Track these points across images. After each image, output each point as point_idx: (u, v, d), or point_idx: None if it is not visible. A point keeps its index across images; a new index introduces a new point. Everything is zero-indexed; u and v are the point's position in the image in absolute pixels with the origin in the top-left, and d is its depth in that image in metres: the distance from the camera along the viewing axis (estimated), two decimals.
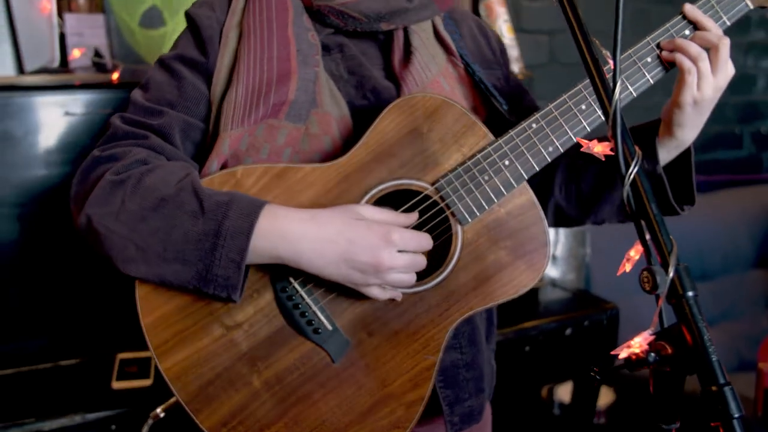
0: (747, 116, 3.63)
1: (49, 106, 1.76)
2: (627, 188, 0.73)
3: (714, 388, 0.67)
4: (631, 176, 0.73)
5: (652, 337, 0.71)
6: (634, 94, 1.15)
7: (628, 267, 0.75)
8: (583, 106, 1.13)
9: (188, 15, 1.20)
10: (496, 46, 1.37)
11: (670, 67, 1.15)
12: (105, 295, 1.77)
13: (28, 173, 1.74)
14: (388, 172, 1.12)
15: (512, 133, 1.13)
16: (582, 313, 2.14)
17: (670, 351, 0.70)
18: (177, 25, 2.13)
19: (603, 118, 1.02)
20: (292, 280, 1.10)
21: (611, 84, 0.76)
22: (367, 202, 1.11)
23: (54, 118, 1.76)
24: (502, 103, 1.26)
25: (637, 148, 0.74)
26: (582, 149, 0.82)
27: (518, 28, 2.67)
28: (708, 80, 1.13)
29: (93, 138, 1.72)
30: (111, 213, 1.03)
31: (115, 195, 1.04)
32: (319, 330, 1.11)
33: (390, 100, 1.15)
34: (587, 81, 1.11)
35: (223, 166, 1.12)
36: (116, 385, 1.67)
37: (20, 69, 1.82)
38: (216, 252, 1.01)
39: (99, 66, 1.96)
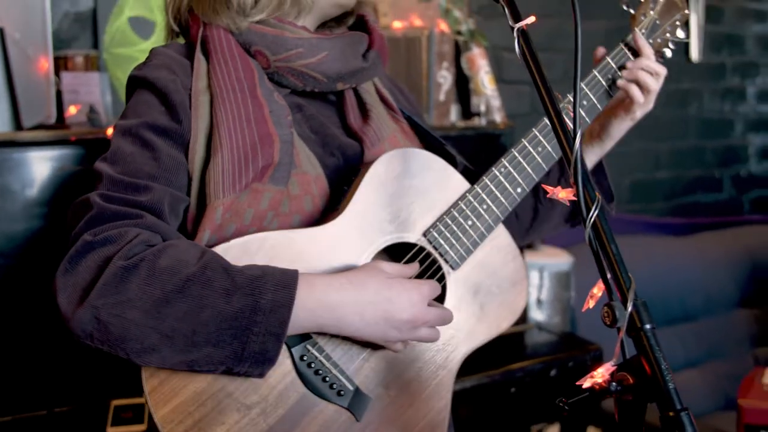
0: (726, 160, 3.73)
1: (45, 160, 1.82)
2: (588, 230, 0.79)
3: (671, 413, 0.72)
4: (592, 219, 0.79)
5: (614, 368, 0.76)
6: (588, 121, 1.32)
7: (591, 303, 0.81)
8: (540, 149, 1.25)
9: (146, 80, 1.12)
10: (409, 96, 1.47)
11: (614, 93, 1.33)
12: None
13: (25, 226, 1.78)
14: (380, 229, 1.15)
15: (485, 179, 1.21)
16: (567, 355, 2.19)
17: (631, 381, 0.75)
18: None
19: (555, 157, 1.25)
20: (309, 347, 1.08)
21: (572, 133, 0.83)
22: (367, 259, 1.13)
23: (50, 173, 1.81)
24: (450, 148, 1.33)
25: (597, 194, 0.80)
26: (548, 195, 0.88)
27: (500, 79, 2.76)
28: (651, 104, 1.33)
29: (86, 192, 1.78)
30: (125, 301, 0.95)
31: (129, 281, 0.95)
32: (342, 392, 1.09)
33: (356, 157, 1.21)
34: (541, 124, 1.24)
35: (212, 239, 1.08)
36: (111, 431, 1.70)
37: (18, 125, 1.88)
38: (254, 328, 0.96)
39: (94, 122, 2.02)
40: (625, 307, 0.75)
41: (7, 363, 1.78)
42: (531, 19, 0.91)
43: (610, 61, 1.32)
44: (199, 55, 1.15)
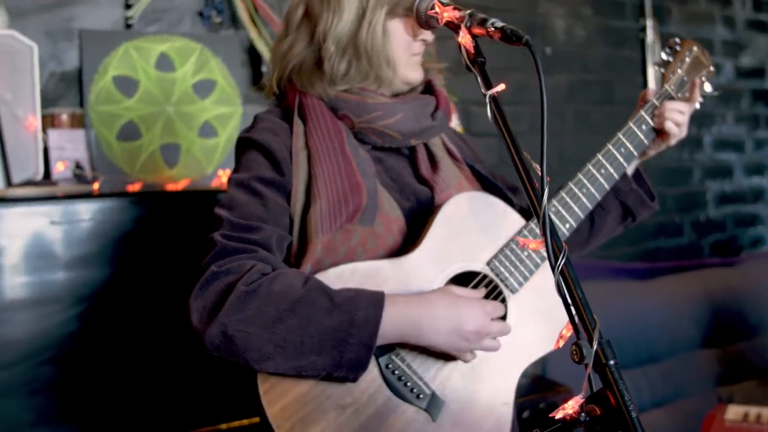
0: (686, 206, 3.85)
1: (34, 216, 1.87)
2: (557, 277, 0.89)
3: None
4: (560, 267, 0.89)
5: (583, 401, 0.85)
6: (636, 154, 1.56)
7: (561, 343, 0.90)
8: (585, 190, 1.49)
9: (254, 140, 1.38)
10: (471, 144, 1.68)
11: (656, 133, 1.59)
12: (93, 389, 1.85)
13: (14, 281, 1.83)
14: (450, 259, 1.38)
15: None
16: (539, 396, 2.27)
17: (599, 412, 0.84)
18: (153, 138, 2.29)
19: (599, 197, 1.50)
20: (393, 357, 1.30)
21: (541, 191, 0.92)
22: (438, 285, 1.35)
23: (39, 227, 1.86)
24: (508, 193, 1.53)
25: (564, 244, 0.90)
26: (520, 246, 0.98)
27: (468, 131, 2.88)
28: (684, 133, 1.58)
29: (73, 245, 1.84)
30: (247, 318, 1.18)
31: (250, 303, 1.18)
32: (420, 395, 1.30)
33: (428, 201, 1.44)
34: (585, 169, 1.51)
35: (312, 270, 1.31)
36: None
37: (8, 182, 1.94)
38: (350, 339, 1.19)
39: (80, 177, 2.09)
40: (591, 345, 0.84)
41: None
42: (501, 87, 1.01)
43: (644, 113, 1.57)
44: (297, 119, 1.41)
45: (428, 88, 1.53)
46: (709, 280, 3.48)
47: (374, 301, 1.22)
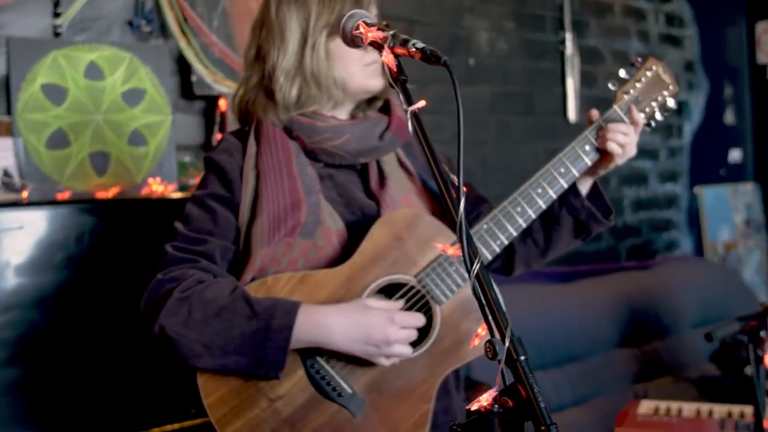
0: None
1: None
2: (473, 281, 0.96)
3: (543, 428, 0.89)
4: (475, 271, 0.96)
5: (496, 394, 0.93)
6: (576, 174, 1.59)
7: (476, 341, 0.97)
8: (519, 209, 1.56)
9: (212, 160, 1.56)
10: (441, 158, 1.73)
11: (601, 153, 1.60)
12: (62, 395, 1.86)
13: None
14: (381, 271, 1.50)
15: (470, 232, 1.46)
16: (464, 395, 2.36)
17: (511, 404, 0.92)
18: (82, 146, 2.29)
19: (533, 216, 1.56)
20: (318, 358, 1.46)
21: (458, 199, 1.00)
22: (368, 295, 1.49)
23: None
24: (453, 207, 1.57)
25: (478, 251, 0.98)
26: (439, 252, 1.06)
27: None
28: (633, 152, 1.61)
29: (6, 252, 1.84)
30: (180, 322, 1.38)
31: (183, 308, 1.39)
32: (342, 394, 1.46)
33: (373, 215, 1.56)
34: (521, 189, 1.57)
35: (253, 277, 1.48)
36: None
37: None
38: (267, 343, 1.37)
39: (8, 186, 2.09)
40: (504, 343, 0.92)
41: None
42: (422, 103, 1.08)
43: (588, 135, 1.60)
44: (251, 141, 1.57)
45: (386, 106, 1.66)
46: (626, 283, 3.63)
47: (289, 310, 1.39)
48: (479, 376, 2.60)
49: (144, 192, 2.35)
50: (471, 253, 0.97)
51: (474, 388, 2.44)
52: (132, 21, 2.44)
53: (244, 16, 2.64)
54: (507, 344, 0.92)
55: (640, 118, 1.60)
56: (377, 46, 1.14)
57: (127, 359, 1.97)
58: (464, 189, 1.03)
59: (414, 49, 1.08)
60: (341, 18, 1.38)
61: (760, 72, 4.85)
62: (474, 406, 0.92)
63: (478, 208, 1.74)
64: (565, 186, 1.59)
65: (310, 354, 1.46)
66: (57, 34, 2.32)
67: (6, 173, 2.10)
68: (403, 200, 1.60)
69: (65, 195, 2.20)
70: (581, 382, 3.19)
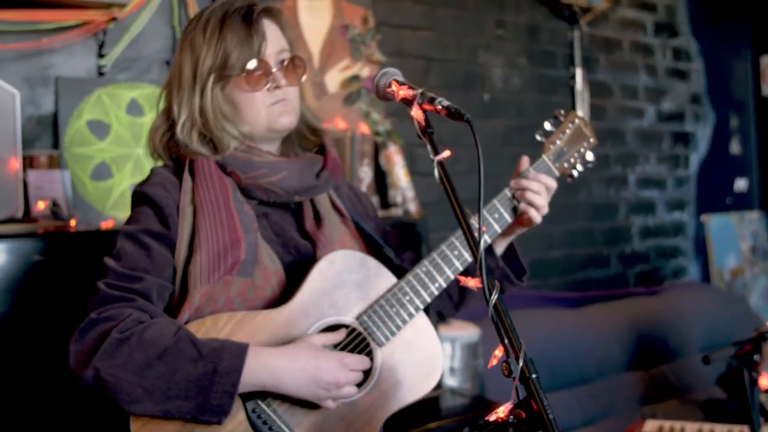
0: (613, 239, 4.10)
1: (16, 252, 2.01)
2: (491, 309, 1.11)
3: None
4: (493, 301, 1.11)
5: (512, 406, 1.07)
6: (499, 230, 1.61)
7: (494, 362, 1.12)
8: (456, 252, 1.57)
9: (145, 194, 1.46)
10: (365, 201, 1.80)
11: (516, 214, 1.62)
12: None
13: None
14: (321, 313, 1.47)
15: (410, 276, 1.54)
16: (477, 414, 2.48)
17: (524, 416, 1.06)
18: (123, 178, 2.46)
19: (470, 260, 1.57)
20: (259, 402, 1.40)
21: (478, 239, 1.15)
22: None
23: (21, 263, 2.00)
24: (388, 250, 1.66)
25: (497, 282, 1.13)
26: (461, 284, 1.19)
27: (413, 171, 3.08)
28: (545, 210, 1.62)
29: (52, 280, 1.99)
30: (119, 364, 1.28)
31: (122, 350, 1.28)
32: None
33: (309, 255, 1.53)
34: (458, 233, 1.55)
35: (189, 317, 1.40)
36: None
37: None
38: (214, 387, 1.29)
39: (56, 215, 2.24)
40: (518, 362, 1.07)
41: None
42: (447, 153, 1.23)
43: (507, 192, 1.62)
44: (186, 176, 1.50)
45: (321, 148, 1.65)
46: (635, 308, 3.77)
47: (237, 353, 1.31)
48: (493, 396, 2.74)
49: None
50: (490, 286, 1.12)
51: (489, 407, 2.57)
52: (170, 61, 2.62)
53: None
54: (521, 364, 1.07)
55: (551, 182, 1.62)
56: (407, 102, 1.29)
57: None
58: (468, 223, 1.17)
59: (440, 107, 1.23)
60: (228, 60, 1.47)
61: (765, 103, 5.00)
62: (492, 417, 1.06)
63: (401, 255, 1.72)
64: (496, 232, 1.60)
65: (251, 396, 1.39)
66: (101, 74, 2.50)
67: (55, 203, 2.25)
68: (338, 241, 1.57)
69: (108, 224, 2.36)
70: (590, 404, 3.30)
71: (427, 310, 1.62)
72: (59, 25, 2.37)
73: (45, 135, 2.40)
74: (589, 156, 1.71)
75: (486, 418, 1.07)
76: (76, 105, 2.43)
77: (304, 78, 1.58)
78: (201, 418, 1.30)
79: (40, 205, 2.20)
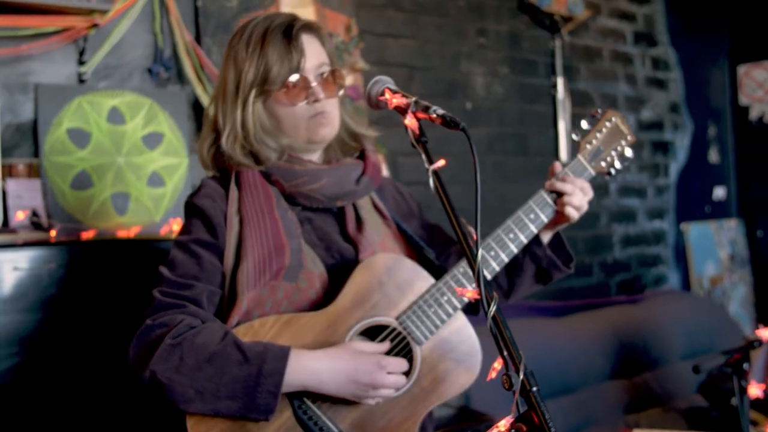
0: (594, 248, 4.11)
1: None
2: (489, 321, 1.09)
3: None
4: (492, 313, 1.09)
5: (512, 420, 1.05)
6: (535, 231, 1.67)
7: (493, 374, 1.10)
8: (492, 253, 1.63)
9: (195, 206, 1.57)
10: (410, 200, 1.86)
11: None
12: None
13: None
14: (363, 314, 1.55)
15: (447, 277, 1.58)
16: (463, 425, 2.47)
17: (525, 429, 1.05)
18: (104, 187, 2.42)
19: (506, 260, 1.64)
20: (305, 399, 1.49)
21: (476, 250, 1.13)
22: (351, 337, 1.53)
23: (4, 273, 1.97)
24: (428, 251, 1.72)
25: (495, 294, 1.11)
26: (458, 295, 1.19)
27: (397, 180, 3.07)
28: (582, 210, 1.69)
29: (39, 289, 1.96)
30: (172, 368, 1.39)
31: (174, 354, 1.39)
32: None
33: (352, 258, 1.61)
34: (493, 235, 1.64)
35: (239, 321, 1.50)
36: None
37: None
38: (258, 388, 1.39)
39: (36, 225, 2.20)
40: (518, 375, 1.05)
41: None
42: (441, 163, 1.22)
43: (543, 193, 1.67)
44: (233, 187, 1.59)
45: (361, 153, 1.72)
46: (617, 317, 3.75)
47: (280, 356, 1.41)
48: (479, 407, 2.72)
49: (163, 231, 2.48)
50: (488, 296, 1.10)
51: (475, 419, 2.56)
52: (151, 68, 2.58)
53: None
54: (521, 377, 1.05)
55: (587, 185, 1.68)
56: (401, 110, 1.28)
57: (118, 401, 2.04)
58: (464, 233, 1.16)
59: (435, 115, 1.22)
60: (269, 75, 1.54)
61: (742, 113, 5.05)
62: (493, 431, 1.05)
63: (448, 249, 1.81)
64: (524, 240, 1.66)
65: (298, 395, 1.48)
66: (82, 81, 2.46)
67: (35, 213, 2.21)
68: (379, 243, 1.65)
69: (89, 234, 2.32)
70: (574, 413, 3.29)
71: (476, 303, 1.67)
72: (39, 31, 2.33)
73: (24, 143, 2.36)
74: (628, 152, 1.73)
75: (487, 431, 1.05)
76: (56, 113, 2.38)
77: (342, 90, 1.64)
78: (249, 416, 1.40)
79: (20, 215, 2.16)
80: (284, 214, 1.58)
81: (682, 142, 4.73)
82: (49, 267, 2.03)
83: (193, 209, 1.58)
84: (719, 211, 4.96)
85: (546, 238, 1.75)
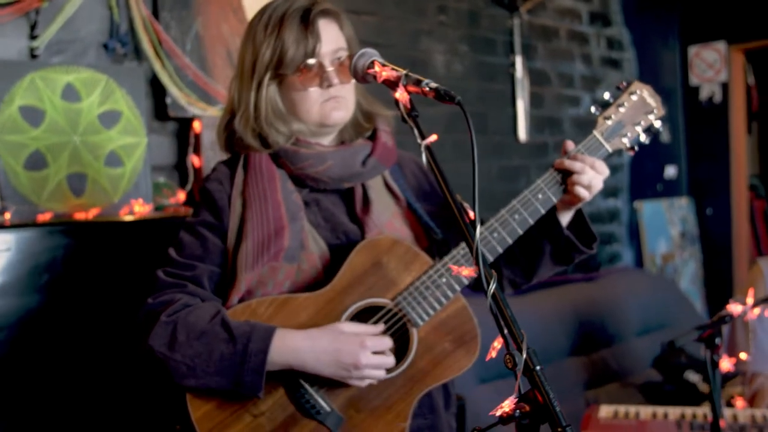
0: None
1: None
2: (489, 299, 1.07)
3: (560, 429, 1.00)
4: (491, 291, 1.06)
5: (515, 400, 1.03)
6: (543, 211, 1.60)
7: (494, 354, 1.08)
8: (496, 235, 1.58)
9: (205, 189, 1.63)
10: (432, 179, 1.79)
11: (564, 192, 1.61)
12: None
13: None
14: (360, 295, 1.56)
15: (447, 258, 1.57)
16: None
17: (528, 408, 1.03)
18: (60, 168, 2.32)
19: (510, 241, 1.59)
20: (298, 377, 1.52)
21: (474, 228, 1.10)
22: (347, 318, 1.55)
23: None
24: (437, 232, 1.69)
25: (494, 272, 1.08)
26: (453, 273, 1.16)
27: None
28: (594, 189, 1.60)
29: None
30: (165, 344, 1.47)
31: (167, 330, 1.47)
32: (320, 411, 1.53)
33: (357, 239, 1.61)
34: (497, 215, 1.59)
35: (241, 298, 1.55)
36: None
37: None
38: (245, 365, 1.45)
39: None
40: (521, 354, 1.03)
41: None
42: (433, 138, 1.19)
43: (554, 174, 1.59)
44: (239, 170, 1.63)
45: (373, 134, 1.70)
46: (575, 295, 3.82)
47: (264, 336, 1.46)
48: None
49: (123, 212, 2.39)
50: (486, 275, 1.07)
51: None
52: (107, 44, 2.48)
53: (216, 40, 2.72)
54: (524, 356, 1.03)
55: (601, 163, 1.60)
56: (390, 84, 1.24)
57: (108, 378, 2.02)
58: (460, 209, 1.14)
59: (428, 89, 1.18)
60: (284, 58, 1.55)
61: (692, 93, 5.14)
62: (498, 412, 1.02)
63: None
64: (530, 221, 1.60)
65: (293, 373, 1.51)
66: (34, 56, 2.35)
67: None
68: (387, 224, 1.65)
69: (46, 216, 2.23)
70: None
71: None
72: None
73: None
74: (657, 125, 1.65)
75: (491, 413, 1.03)
76: (8, 89, 2.27)
77: None
78: (239, 391, 1.46)
79: None
80: (288, 196, 1.60)
81: None
82: (5, 252, 1.94)
83: (202, 192, 1.64)
84: (670, 190, 5.05)
85: (566, 218, 1.66)
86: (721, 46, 4.97)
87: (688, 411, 2.32)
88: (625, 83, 1.65)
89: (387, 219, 1.66)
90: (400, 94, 1.21)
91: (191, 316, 1.48)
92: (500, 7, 3.86)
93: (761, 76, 5.63)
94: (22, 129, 2.28)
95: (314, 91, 1.59)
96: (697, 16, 5.06)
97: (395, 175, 1.75)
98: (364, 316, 1.58)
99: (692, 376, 3.58)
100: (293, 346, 1.48)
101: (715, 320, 1.90)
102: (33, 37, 2.34)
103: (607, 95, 1.63)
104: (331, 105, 1.60)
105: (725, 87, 5.00)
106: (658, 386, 3.65)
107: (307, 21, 1.57)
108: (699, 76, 5.08)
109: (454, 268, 1.16)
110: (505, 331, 1.06)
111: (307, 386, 1.54)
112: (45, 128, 2.32)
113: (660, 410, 2.33)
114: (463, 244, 1.57)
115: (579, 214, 1.69)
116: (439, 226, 1.72)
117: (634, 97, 1.63)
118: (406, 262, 1.59)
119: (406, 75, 1.22)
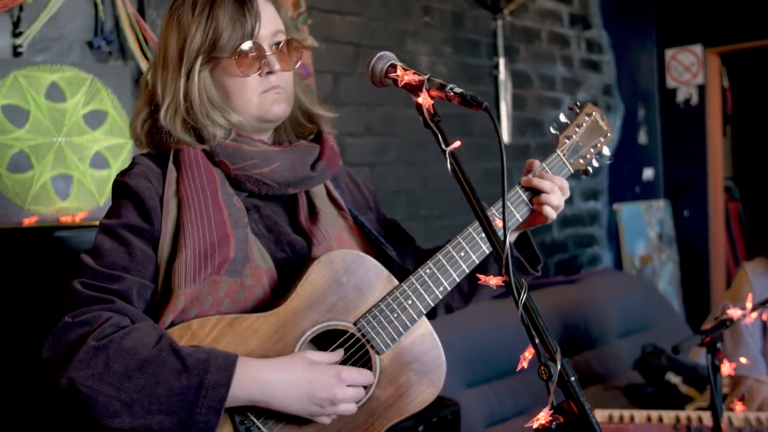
0: (533, 229, 4.16)
1: None
2: (521, 309, 1.04)
3: None
4: (522, 300, 1.04)
5: (551, 411, 1.01)
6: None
7: (525, 364, 1.06)
8: (462, 254, 1.44)
9: (126, 185, 1.34)
10: (365, 190, 1.68)
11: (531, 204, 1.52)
12: None
13: None
14: (318, 316, 1.35)
15: (412, 278, 1.41)
16: (430, 412, 2.44)
17: (562, 420, 1.01)
18: (44, 169, 2.26)
19: (477, 261, 1.45)
20: (249, 414, 1.28)
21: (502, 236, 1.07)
22: (302, 343, 1.33)
23: None
24: (389, 248, 1.56)
25: (524, 281, 1.06)
26: (480, 282, 1.12)
27: (344, 162, 3.02)
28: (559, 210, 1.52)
29: None
30: (95, 375, 1.17)
31: (98, 359, 1.17)
32: None
33: (303, 252, 1.42)
34: (465, 233, 1.45)
35: (173, 320, 1.29)
36: None
37: None
38: (199, 402, 1.18)
39: None
40: (556, 365, 1.01)
41: None
42: (457, 144, 1.16)
43: (519, 190, 1.51)
44: (171, 166, 1.37)
45: (317, 136, 1.53)
46: (557, 297, 3.82)
47: (225, 366, 1.21)
48: (442, 392, 2.69)
49: None
50: (517, 284, 1.05)
51: (440, 404, 2.53)
52: (92, 42, 2.41)
53: None
54: (559, 367, 1.01)
55: (564, 182, 1.52)
56: (412, 88, 1.20)
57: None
58: (488, 218, 1.10)
59: (452, 93, 1.15)
60: (218, 40, 1.35)
61: (669, 95, 5.18)
62: (534, 425, 1.00)
63: (406, 248, 1.64)
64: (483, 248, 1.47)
65: (241, 410, 1.28)
66: (17, 54, 2.27)
67: None
68: (335, 237, 1.47)
69: (32, 220, 2.16)
70: (523, 393, 3.32)
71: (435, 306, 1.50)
72: None
73: None
74: (606, 151, 1.60)
75: (527, 425, 1.00)
76: None
77: (299, 63, 1.47)
78: None
79: None
80: (229, 199, 1.37)
81: (614, 124, 4.81)
82: None
83: (123, 189, 1.35)
84: (648, 192, 5.08)
85: (512, 237, 1.57)
86: (697, 49, 5.02)
87: (683, 414, 2.32)
88: (578, 104, 1.60)
89: (335, 232, 1.48)
90: (423, 99, 1.17)
91: (128, 340, 1.19)
92: (484, 9, 3.85)
93: (735, 79, 5.71)
94: (4, 129, 2.21)
95: (252, 79, 1.39)
96: (674, 20, 5.10)
97: (334, 185, 1.59)
98: (322, 341, 1.39)
99: (673, 378, 3.61)
100: (259, 378, 1.24)
101: (716, 325, 1.90)
102: (16, 35, 2.27)
103: (563, 117, 1.58)
104: (271, 96, 1.41)
105: (702, 90, 5.05)
106: (640, 388, 3.67)
107: None
108: (676, 79, 5.12)
109: (482, 277, 1.11)
110: (537, 341, 1.04)
111: (259, 423, 1.30)
112: (29, 128, 2.25)
113: (654, 414, 2.33)
114: (429, 264, 1.42)
115: (524, 234, 1.60)
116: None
117: (588, 119, 1.58)
118: (370, 281, 1.40)
119: (429, 79, 1.18)
